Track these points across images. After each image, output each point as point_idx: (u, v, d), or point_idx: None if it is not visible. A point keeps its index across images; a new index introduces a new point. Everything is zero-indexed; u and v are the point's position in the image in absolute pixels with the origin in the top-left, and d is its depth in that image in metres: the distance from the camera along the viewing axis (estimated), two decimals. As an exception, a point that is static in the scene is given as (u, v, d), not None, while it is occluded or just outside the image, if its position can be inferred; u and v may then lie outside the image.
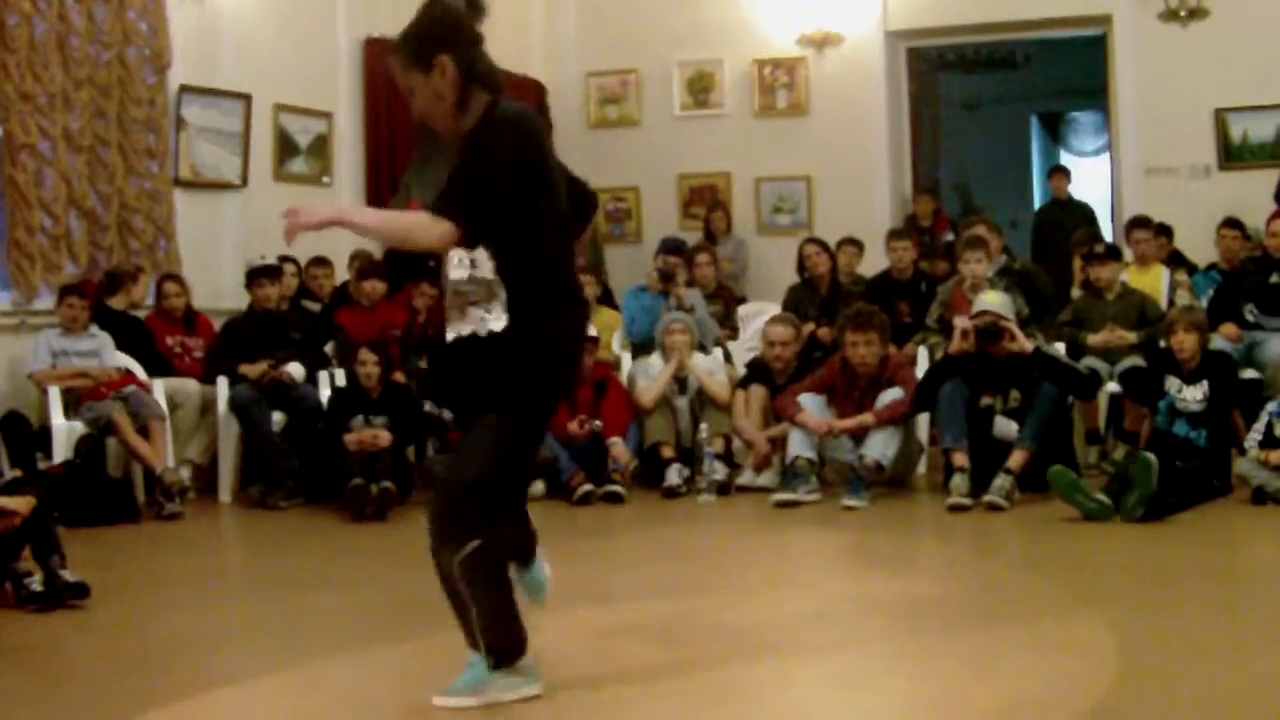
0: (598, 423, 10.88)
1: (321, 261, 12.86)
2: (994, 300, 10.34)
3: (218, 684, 5.78)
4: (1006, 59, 20.38)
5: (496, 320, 5.04)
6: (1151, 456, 8.78)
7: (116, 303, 11.27)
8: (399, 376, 11.42)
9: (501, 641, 5.10)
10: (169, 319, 11.66)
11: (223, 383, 11.10)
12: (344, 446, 10.29)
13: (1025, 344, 9.96)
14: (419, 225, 4.80)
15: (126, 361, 10.92)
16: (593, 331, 11.56)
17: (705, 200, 15.60)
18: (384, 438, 10.37)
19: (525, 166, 4.84)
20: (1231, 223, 12.61)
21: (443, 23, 5.00)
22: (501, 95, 4.99)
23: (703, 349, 11.69)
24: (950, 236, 14.36)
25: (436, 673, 5.37)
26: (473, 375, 5.18)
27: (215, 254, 12.68)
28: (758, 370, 11.17)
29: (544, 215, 4.87)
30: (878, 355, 10.54)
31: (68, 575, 7.03)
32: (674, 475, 10.71)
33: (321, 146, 13.84)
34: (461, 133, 4.93)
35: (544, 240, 4.87)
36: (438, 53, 4.90)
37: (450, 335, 5.34)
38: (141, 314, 11.67)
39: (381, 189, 14.37)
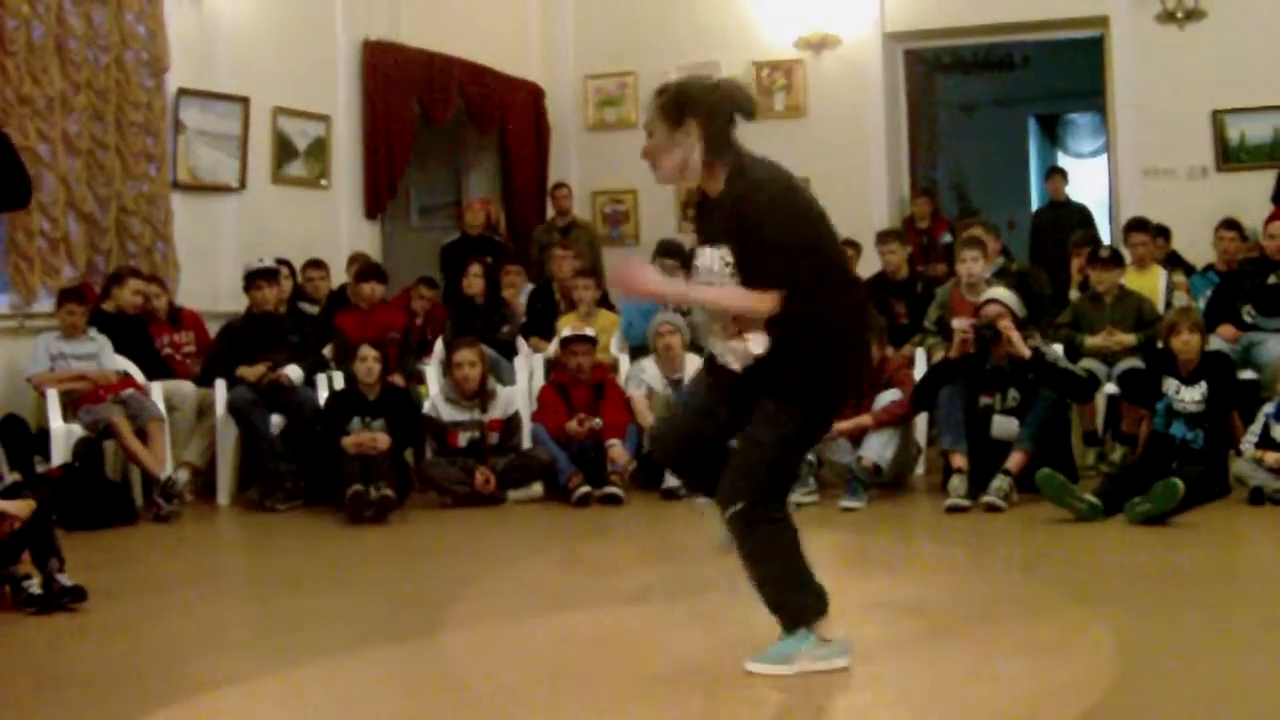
0: (597, 421, 10.89)
1: (317, 264, 12.86)
2: (1002, 293, 10.36)
3: (215, 686, 5.78)
4: (1004, 61, 20.35)
5: (757, 345, 5.27)
6: (1179, 483, 8.76)
7: (108, 306, 11.27)
8: (397, 379, 11.44)
9: (784, 603, 5.43)
10: (154, 320, 11.63)
11: (221, 385, 11.10)
12: (342, 449, 10.29)
13: (1023, 349, 9.96)
14: (759, 302, 5.22)
15: (125, 364, 10.92)
16: (590, 331, 11.59)
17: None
18: (382, 440, 10.37)
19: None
20: (1229, 224, 12.62)
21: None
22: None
23: (699, 350, 11.70)
24: (948, 238, 14.35)
25: (435, 674, 5.38)
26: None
27: (213, 257, 12.67)
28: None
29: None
30: (875, 358, 10.54)
31: (65, 579, 7.04)
32: (672, 477, 10.73)
33: (320, 149, 13.83)
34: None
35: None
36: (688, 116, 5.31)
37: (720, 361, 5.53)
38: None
39: (380, 192, 14.39)
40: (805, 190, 5.49)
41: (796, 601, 5.41)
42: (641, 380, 11.36)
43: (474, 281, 12.79)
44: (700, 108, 5.25)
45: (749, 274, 5.19)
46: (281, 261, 12.36)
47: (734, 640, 5.70)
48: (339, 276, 13.21)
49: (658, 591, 7.34)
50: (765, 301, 5.15)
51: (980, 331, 10.06)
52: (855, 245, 13.31)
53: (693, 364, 11.38)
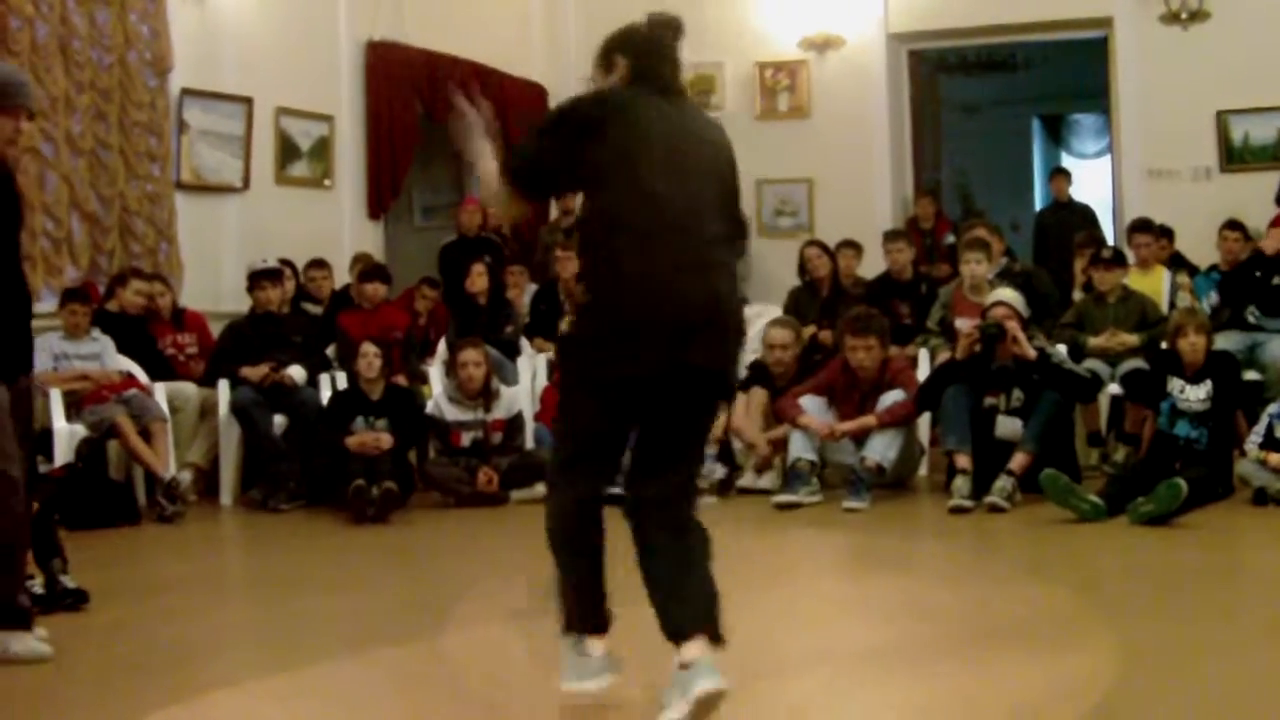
0: (601, 418, 10.88)
1: (319, 264, 12.87)
2: (1009, 294, 10.37)
3: (218, 686, 5.78)
4: (1008, 61, 20.36)
5: None
6: (1183, 484, 8.75)
7: (111, 306, 11.27)
8: (400, 379, 11.44)
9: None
10: (157, 320, 11.64)
11: (224, 385, 11.11)
12: (344, 448, 10.29)
13: (1029, 350, 9.96)
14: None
15: (128, 364, 10.92)
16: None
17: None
18: (385, 439, 10.37)
19: None
20: (1233, 224, 12.60)
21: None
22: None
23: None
24: (951, 239, 14.33)
25: (438, 675, 5.37)
26: None
27: (216, 257, 12.69)
28: (758, 372, 11.15)
29: None
30: (878, 359, 10.54)
31: (68, 581, 7.03)
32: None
33: (323, 149, 13.83)
34: None
35: None
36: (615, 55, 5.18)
37: None
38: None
39: (383, 192, 14.39)
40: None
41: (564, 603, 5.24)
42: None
43: (477, 280, 12.77)
44: (622, 43, 5.19)
45: None
46: (285, 262, 12.37)
47: (734, 641, 5.68)
48: (342, 276, 13.21)
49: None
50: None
51: (985, 332, 10.06)
52: (856, 246, 13.30)
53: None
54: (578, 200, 15.47)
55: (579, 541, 5.20)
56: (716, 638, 4.81)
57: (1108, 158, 17.35)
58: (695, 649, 4.74)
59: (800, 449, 10.22)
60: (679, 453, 5.04)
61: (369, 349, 10.71)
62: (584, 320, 4.92)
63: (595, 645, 5.11)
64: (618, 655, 5.11)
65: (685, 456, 5.07)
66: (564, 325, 12.12)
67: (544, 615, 5.50)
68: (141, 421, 10.43)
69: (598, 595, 5.16)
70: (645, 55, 5.08)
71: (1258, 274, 11.71)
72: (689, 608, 4.85)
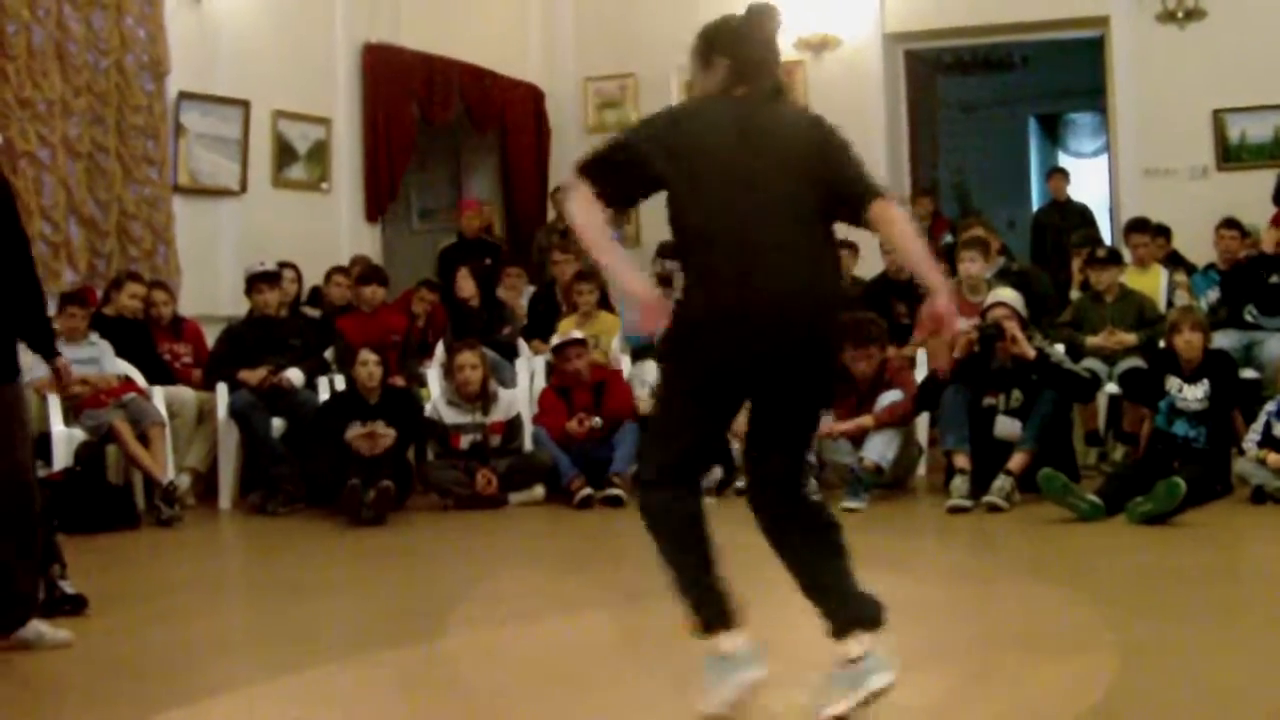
0: (597, 420, 10.90)
1: (342, 270, 12.94)
2: (1008, 294, 10.38)
3: (217, 691, 5.77)
4: (1004, 61, 20.39)
5: None
6: (1181, 483, 8.76)
7: (109, 310, 11.27)
8: (398, 380, 11.44)
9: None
10: (156, 326, 11.63)
11: (222, 389, 11.10)
12: (343, 451, 10.29)
13: (1028, 350, 9.97)
14: None
15: (126, 368, 10.92)
16: (577, 334, 11.58)
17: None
18: (386, 435, 10.37)
19: None
20: (1230, 223, 12.60)
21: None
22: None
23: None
24: (949, 239, 14.34)
25: (438, 678, 5.37)
26: None
27: (214, 260, 12.69)
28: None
29: None
30: (876, 363, 10.55)
31: (67, 586, 7.01)
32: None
33: (320, 152, 13.84)
34: None
35: None
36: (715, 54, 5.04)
37: None
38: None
39: (380, 195, 14.40)
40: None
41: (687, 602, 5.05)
42: (644, 381, 11.36)
43: (464, 285, 12.79)
44: (722, 41, 5.04)
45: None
46: (285, 264, 12.37)
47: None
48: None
49: (660, 593, 7.32)
50: None
51: (984, 333, 10.07)
52: (852, 246, 13.27)
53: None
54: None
55: (685, 536, 5.04)
56: (878, 624, 4.89)
57: (1105, 157, 17.36)
58: (863, 643, 4.82)
59: (798, 450, 10.21)
60: (778, 440, 5.08)
61: (369, 357, 10.69)
62: (673, 320, 4.91)
63: (729, 640, 4.95)
64: (760, 643, 4.98)
65: (783, 444, 5.09)
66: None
67: (545, 618, 5.51)
68: (140, 426, 10.41)
69: (717, 588, 5.01)
70: (748, 54, 5.01)
71: (1264, 275, 11.71)
72: (849, 603, 4.95)
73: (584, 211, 4.88)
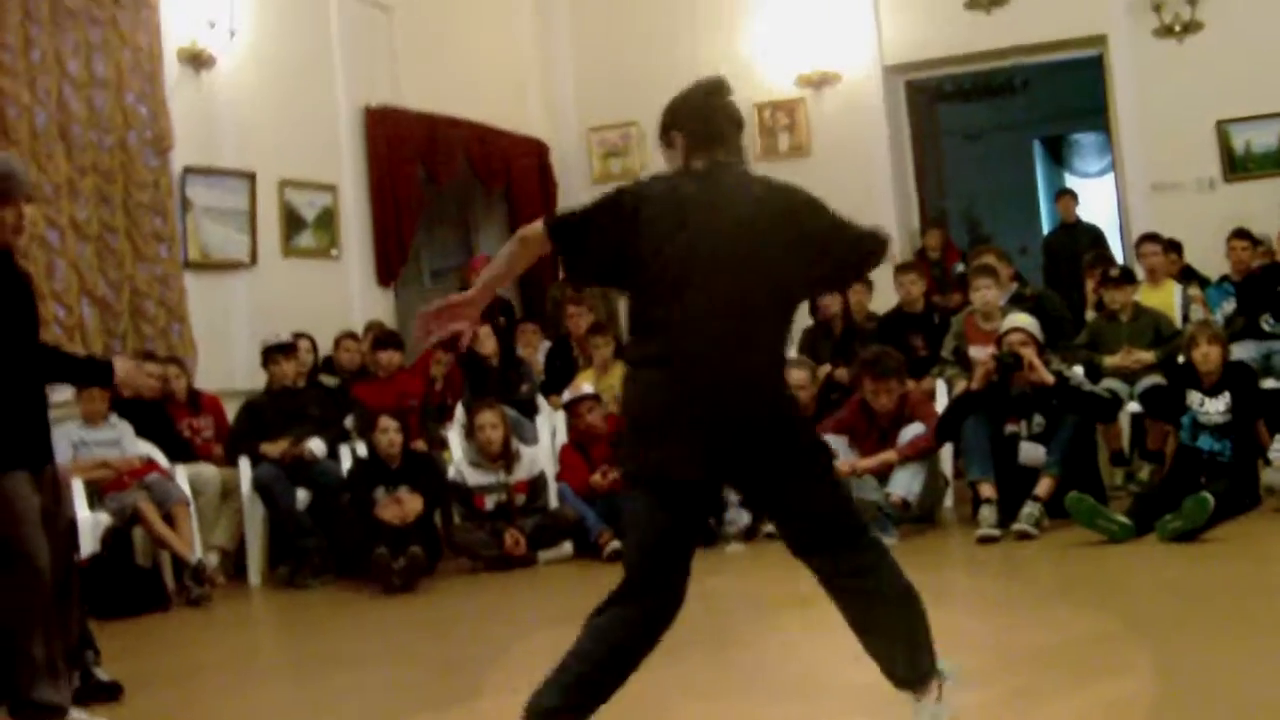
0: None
1: (353, 336, 12.92)
2: (1023, 320, 10.35)
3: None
4: (1005, 86, 20.42)
5: None
6: (1209, 498, 8.74)
7: (127, 391, 11.26)
8: (420, 445, 11.43)
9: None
10: (172, 403, 11.62)
11: (245, 463, 11.10)
12: (368, 518, 10.27)
13: (1047, 376, 9.95)
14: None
15: (147, 448, 10.92)
16: (587, 389, 11.57)
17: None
18: (413, 504, 10.36)
19: None
20: (1241, 233, 12.60)
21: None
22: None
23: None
24: (961, 268, 14.34)
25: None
26: None
27: (228, 334, 12.68)
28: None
29: None
30: (896, 397, 10.54)
31: (101, 674, 7.00)
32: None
33: (328, 219, 13.86)
34: None
35: None
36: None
37: None
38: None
39: (390, 258, 14.40)
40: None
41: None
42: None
43: (486, 343, 12.77)
44: (675, 115, 5.17)
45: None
46: (300, 335, 12.38)
47: (770, 694, 5.66)
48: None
49: (694, 646, 7.30)
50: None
51: (1002, 362, 10.05)
52: (867, 281, 13.25)
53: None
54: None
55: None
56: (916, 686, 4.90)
57: (1111, 175, 17.36)
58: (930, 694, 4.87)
59: (824, 489, 10.19)
60: (783, 516, 4.98)
61: (389, 424, 10.68)
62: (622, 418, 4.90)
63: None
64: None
65: (788, 517, 4.97)
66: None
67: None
68: (164, 506, 10.40)
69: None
70: (699, 125, 5.09)
71: (1278, 283, 11.69)
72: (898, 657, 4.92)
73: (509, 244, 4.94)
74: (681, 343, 4.71)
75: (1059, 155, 23.03)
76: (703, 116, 5.12)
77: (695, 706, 5.97)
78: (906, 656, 4.87)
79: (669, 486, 4.74)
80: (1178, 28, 14.43)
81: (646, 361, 4.80)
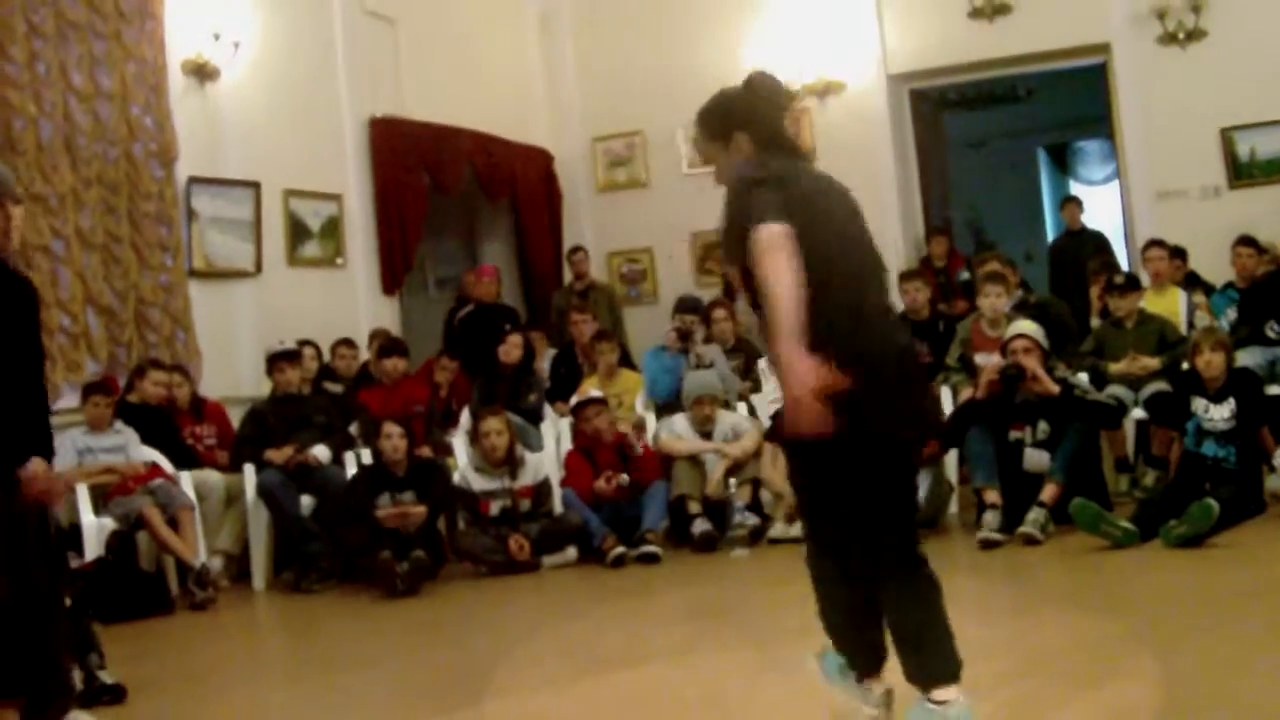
0: (624, 477, 10.88)
1: (348, 343, 12.92)
2: (1028, 326, 10.34)
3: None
4: (1009, 94, 20.42)
5: None
6: (1214, 504, 8.74)
7: (132, 398, 11.30)
8: (425, 451, 11.44)
9: None
10: (176, 411, 11.63)
11: (249, 469, 11.11)
12: (373, 523, 10.28)
13: (1051, 387, 9.95)
14: None
15: (152, 455, 10.93)
16: (596, 392, 11.59)
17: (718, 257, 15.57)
18: (417, 512, 10.37)
19: None
20: (1246, 240, 12.59)
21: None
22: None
23: (726, 404, 11.70)
24: (966, 275, 14.34)
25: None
26: None
27: (232, 342, 12.71)
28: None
29: None
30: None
31: (106, 677, 7.01)
32: (701, 523, 10.73)
33: (333, 228, 13.88)
34: None
35: None
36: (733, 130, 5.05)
37: None
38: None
39: (395, 267, 14.41)
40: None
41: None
42: (673, 430, 11.35)
43: (513, 350, 12.75)
44: (737, 116, 5.07)
45: None
46: (305, 342, 12.39)
47: (778, 696, 5.67)
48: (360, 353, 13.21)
49: (699, 649, 7.31)
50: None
51: (1005, 374, 10.03)
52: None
53: (726, 418, 11.37)
54: (589, 263, 15.64)
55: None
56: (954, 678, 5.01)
57: (1116, 183, 17.35)
58: (948, 693, 5.00)
59: (829, 495, 10.19)
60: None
61: (393, 430, 10.70)
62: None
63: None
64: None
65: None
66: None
67: (585, 678, 5.49)
68: (169, 511, 10.42)
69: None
70: (767, 125, 5.05)
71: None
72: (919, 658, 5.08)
73: (787, 274, 4.52)
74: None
75: (1064, 163, 23.03)
76: (771, 113, 5.09)
77: (700, 706, 5.96)
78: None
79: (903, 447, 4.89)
80: (1181, 35, 14.44)
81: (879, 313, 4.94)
